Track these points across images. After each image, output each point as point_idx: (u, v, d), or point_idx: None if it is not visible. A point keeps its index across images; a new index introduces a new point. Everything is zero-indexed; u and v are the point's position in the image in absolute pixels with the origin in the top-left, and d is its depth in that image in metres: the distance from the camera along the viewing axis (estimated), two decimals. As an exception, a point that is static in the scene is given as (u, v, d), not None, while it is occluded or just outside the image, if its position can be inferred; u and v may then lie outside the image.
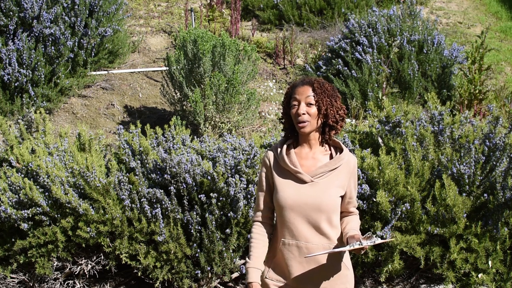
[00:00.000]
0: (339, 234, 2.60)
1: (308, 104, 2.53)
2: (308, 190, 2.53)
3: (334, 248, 2.55)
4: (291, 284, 2.61)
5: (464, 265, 4.01)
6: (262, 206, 2.65)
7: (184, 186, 4.08)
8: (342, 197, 2.61)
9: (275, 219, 2.67)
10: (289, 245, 2.57)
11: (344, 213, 2.67)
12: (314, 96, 2.53)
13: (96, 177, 4.02)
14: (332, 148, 2.64)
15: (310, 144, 2.60)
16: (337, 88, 6.83)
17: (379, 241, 2.42)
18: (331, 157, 2.61)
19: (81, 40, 6.74)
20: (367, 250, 4.07)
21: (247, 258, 2.61)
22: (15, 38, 6.30)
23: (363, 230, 4.05)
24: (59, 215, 4.05)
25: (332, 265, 2.58)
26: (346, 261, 2.63)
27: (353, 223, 2.62)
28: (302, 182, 2.55)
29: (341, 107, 2.61)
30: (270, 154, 2.64)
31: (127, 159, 4.32)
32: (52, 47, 6.43)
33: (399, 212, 3.95)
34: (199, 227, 4.07)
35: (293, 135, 2.65)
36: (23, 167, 4.25)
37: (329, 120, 2.56)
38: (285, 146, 2.61)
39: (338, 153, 2.61)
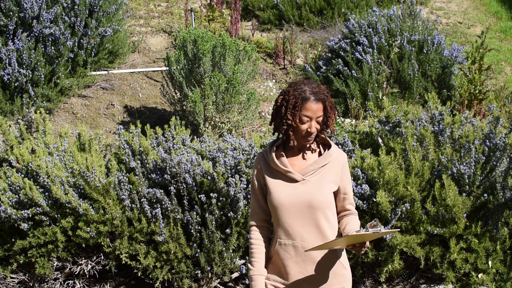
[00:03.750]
0: (336, 232, 2.60)
1: (318, 122, 2.56)
2: (300, 188, 2.55)
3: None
4: (288, 285, 2.61)
5: (464, 265, 4.01)
6: (257, 210, 2.67)
7: (184, 186, 4.08)
8: (336, 193, 2.62)
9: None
10: (285, 245, 2.58)
11: (342, 212, 2.66)
12: (324, 114, 2.56)
13: (96, 177, 4.02)
14: (320, 145, 2.66)
15: (300, 144, 2.61)
16: (337, 88, 6.83)
17: (383, 230, 2.39)
18: (320, 154, 2.63)
19: (81, 40, 6.74)
20: (367, 250, 4.07)
21: (249, 265, 2.62)
22: (15, 38, 6.30)
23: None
24: (59, 215, 4.05)
25: (329, 265, 2.58)
26: (344, 261, 2.63)
27: (353, 224, 2.60)
28: (294, 181, 2.56)
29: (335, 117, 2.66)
30: (261, 157, 2.66)
31: (127, 159, 4.32)
32: (52, 47, 6.43)
33: (399, 212, 3.95)
34: (199, 227, 4.07)
35: (283, 136, 2.65)
36: (23, 167, 4.24)
37: (327, 129, 2.61)
38: (274, 148, 2.63)
39: (327, 150, 2.63)
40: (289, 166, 2.57)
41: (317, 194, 2.53)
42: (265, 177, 2.62)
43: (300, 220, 2.55)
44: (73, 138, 5.70)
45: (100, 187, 4.04)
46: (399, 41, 6.85)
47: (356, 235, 2.40)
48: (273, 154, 2.61)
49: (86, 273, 4.23)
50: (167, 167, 4.11)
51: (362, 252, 2.49)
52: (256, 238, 2.64)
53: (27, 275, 4.26)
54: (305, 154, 2.62)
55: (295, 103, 2.52)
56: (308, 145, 2.61)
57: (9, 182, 4.15)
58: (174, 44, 8.06)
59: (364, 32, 7.16)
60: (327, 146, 2.65)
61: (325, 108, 2.55)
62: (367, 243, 2.48)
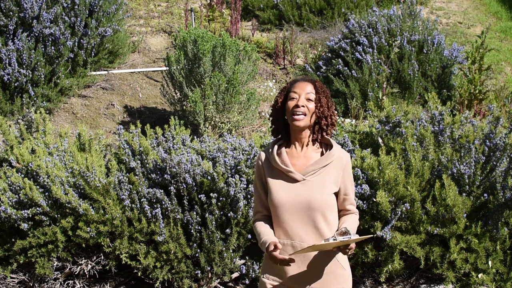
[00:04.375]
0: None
1: (308, 100, 2.56)
2: (300, 188, 2.54)
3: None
4: (287, 284, 2.60)
5: (464, 265, 4.01)
6: (259, 207, 2.68)
7: (184, 186, 4.08)
8: (337, 194, 2.61)
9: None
10: (284, 245, 2.57)
11: (342, 212, 2.66)
12: (314, 93, 2.57)
13: (96, 177, 4.02)
14: (322, 146, 2.65)
15: (301, 143, 2.61)
16: (337, 88, 6.83)
17: (354, 237, 2.41)
18: (322, 154, 2.62)
19: (81, 40, 6.74)
20: (367, 250, 4.07)
21: (260, 241, 2.59)
22: (15, 38, 6.30)
23: (363, 230, 4.05)
24: (59, 215, 4.05)
25: (328, 265, 2.57)
26: (343, 261, 2.62)
27: (348, 223, 2.60)
28: (294, 181, 2.56)
29: (334, 113, 2.65)
30: (262, 155, 2.66)
31: (127, 159, 4.32)
32: (52, 47, 6.43)
33: (399, 212, 3.95)
34: (199, 227, 4.07)
35: (284, 135, 2.66)
36: (23, 167, 4.24)
37: (322, 121, 2.59)
38: (276, 146, 2.63)
39: (329, 150, 2.61)
40: (290, 166, 2.57)
41: (318, 194, 2.52)
42: (266, 176, 2.61)
43: (299, 220, 2.54)
44: (73, 138, 5.71)
45: (100, 187, 4.04)
46: (399, 41, 6.85)
47: (324, 244, 2.42)
48: (275, 152, 2.60)
49: (86, 273, 4.23)
50: (167, 167, 4.11)
51: (349, 254, 2.49)
52: (260, 222, 2.65)
53: (27, 275, 4.26)
54: (307, 154, 2.60)
55: (285, 87, 2.65)
56: (307, 139, 2.60)
57: (9, 182, 4.15)
58: (174, 44, 8.06)
59: (364, 32, 7.16)
60: (330, 147, 2.64)
61: (315, 87, 2.58)
62: (352, 245, 2.46)
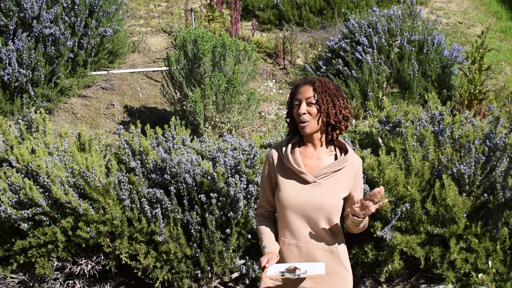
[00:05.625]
0: (338, 237, 2.60)
1: (309, 104, 2.52)
2: (310, 190, 2.52)
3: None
4: (290, 284, 2.60)
5: (464, 265, 4.01)
6: (264, 202, 2.67)
7: (184, 186, 4.08)
8: (346, 198, 2.58)
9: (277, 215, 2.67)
10: (289, 245, 2.57)
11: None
12: (314, 95, 2.51)
13: (96, 177, 4.02)
14: (337, 149, 2.62)
15: (314, 144, 2.58)
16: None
17: (303, 275, 2.42)
18: (335, 158, 2.58)
19: (81, 40, 6.74)
20: (367, 250, 4.07)
21: (260, 242, 2.59)
22: (15, 38, 6.30)
23: (363, 231, 4.04)
24: (59, 215, 4.05)
25: (331, 266, 2.57)
26: (345, 262, 2.62)
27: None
28: (305, 182, 2.53)
29: (345, 106, 2.56)
30: (274, 152, 2.63)
31: (127, 159, 4.32)
32: (52, 47, 6.43)
33: (399, 212, 3.95)
34: (199, 227, 4.07)
35: (299, 134, 2.64)
36: (23, 167, 4.24)
37: (330, 120, 2.53)
38: (290, 145, 2.60)
39: (343, 154, 2.58)
40: (302, 167, 2.53)
41: (327, 198, 2.50)
42: (276, 173, 2.59)
43: (305, 222, 2.53)
44: (73, 138, 5.71)
45: (100, 187, 4.04)
46: (399, 41, 6.86)
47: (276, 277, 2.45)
48: (289, 151, 2.58)
49: (86, 273, 4.23)
50: (167, 167, 4.11)
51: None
52: (263, 220, 2.64)
53: (27, 275, 4.26)
54: (320, 156, 2.57)
55: (291, 92, 2.61)
56: (320, 141, 2.57)
57: (9, 182, 4.15)
58: (174, 44, 8.06)
59: (364, 32, 7.16)
60: (344, 151, 2.60)
61: (314, 89, 2.51)
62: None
